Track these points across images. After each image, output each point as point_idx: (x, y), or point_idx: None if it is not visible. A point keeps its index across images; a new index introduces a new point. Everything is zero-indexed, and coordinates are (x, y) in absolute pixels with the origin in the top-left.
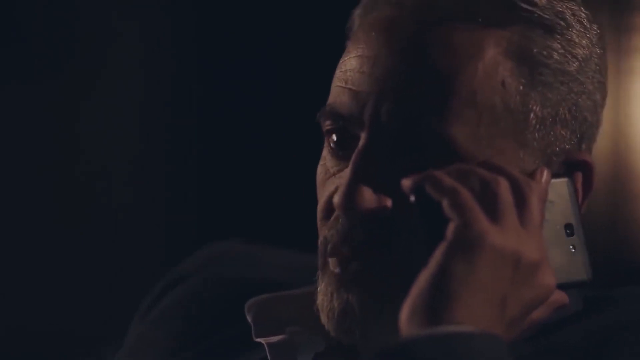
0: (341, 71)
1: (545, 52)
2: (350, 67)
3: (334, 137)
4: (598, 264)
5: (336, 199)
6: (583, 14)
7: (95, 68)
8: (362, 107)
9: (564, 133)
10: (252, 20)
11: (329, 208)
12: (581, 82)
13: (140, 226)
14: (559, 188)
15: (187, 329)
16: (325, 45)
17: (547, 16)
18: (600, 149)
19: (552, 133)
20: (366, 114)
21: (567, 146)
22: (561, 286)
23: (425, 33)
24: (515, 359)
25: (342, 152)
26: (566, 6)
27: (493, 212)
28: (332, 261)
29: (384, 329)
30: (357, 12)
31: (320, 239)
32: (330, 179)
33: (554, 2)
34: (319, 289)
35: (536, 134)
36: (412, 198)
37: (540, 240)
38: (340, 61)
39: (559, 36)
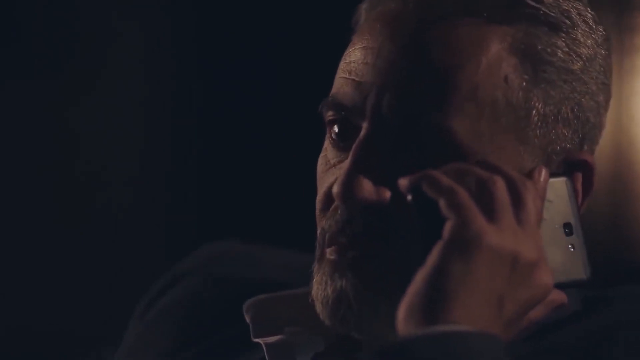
0: (345, 62)
1: (549, 50)
2: (354, 59)
3: (336, 128)
4: (598, 264)
5: (335, 189)
6: (589, 15)
7: (95, 68)
8: (365, 97)
9: (565, 132)
10: (252, 19)
11: (328, 199)
12: (585, 82)
13: (140, 226)
14: (557, 187)
15: (185, 329)
16: (325, 45)
17: (552, 14)
18: (601, 147)
19: (553, 131)
20: (368, 105)
21: (568, 145)
22: (560, 285)
23: (429, 27)
24: (512, 359)
25: (343, 143)
26: (572, 5)
27: (490, 211)
28: (329, 250)
29: (379, 322)
30: (364, 6)
31: (319, 231)
32: (331, 169)
33: (560, 0)
34: (314, 280)
35: (537, 132)
36: (409, 197)
37: (538, 240)
38: (345, 53)
39: (563, 34)
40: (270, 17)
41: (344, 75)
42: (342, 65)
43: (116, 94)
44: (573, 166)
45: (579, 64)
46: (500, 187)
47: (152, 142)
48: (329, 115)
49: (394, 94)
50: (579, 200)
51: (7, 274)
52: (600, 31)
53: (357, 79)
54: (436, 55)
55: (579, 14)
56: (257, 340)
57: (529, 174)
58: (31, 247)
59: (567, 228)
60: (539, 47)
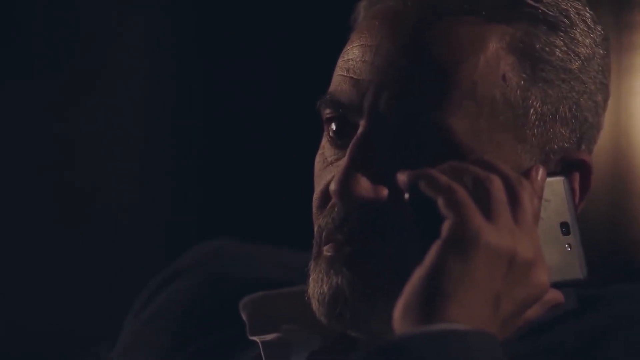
0: (343, 60)
1: (547, 49)
2: (353, 56)
3: (333, 126)
4: (596, 263)
5: (332, 186)
6: (588, 14)
7: (95, 68)
8: (362, 95)
9: (563, 131)
10: (251, 19)
11: (325, 197)
12: (583, 82)
13: (139, 226)
14: (555, 186)
15: (182, 327)
16: (324, 44)
17: (551, 13)
18: (600, 146)
19: (551, 130)
20: (366, 102)
21: (565, 145)
22: (557, 285)
23: (428, 25)
24: (509, 358)
25: (340, 141)
26: (571, 5)
27: (487, 210)
28: (326, 247)
29: (376, 320)
30: (363, 4)
31: (316, 229)
32: (328, 167)
33: (559, 0)
34: (310, 278)
35: (535, 130)
36: (407, 196)
37: (535, 239)
38: (343, 50)
39: (562, 33)
40: (269, 17)
41: (342, 73)
42: (340, 63)
43: (116, 94)
44: (571, 166)
45: (577, 63)
46: (497, 186)
47: (152, 142)
48: (327, 113)
49: (392, 91)
50: (576, 199)
51: (5, 273)
52: (598, 31)
53: (355, 77)
54: (435, 53)
55: (578, 14)
56: (253, 338)
57: (526, 173)
58: (30, 246)
59: (564, 227)
60: (538, 46)
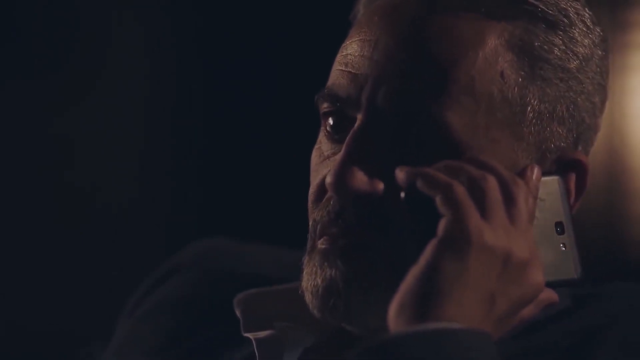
0: (342, 55)
1: (546, 47)
2: (351, 51)
3: (330, 121)
4: (591, 262)
5: (328, 179)
6: (587, 15)
7: (95, 68)
8: (360, 89)
9: (560, 130)
10: (251, 19)
11: (321, 191)
12: (581, 82)
13: (138, 226)
14: (549, 186)
15: (176, 325)
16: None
17: (550, 11)
18: (595, 145)
19: (548, 129)
20: (364, 96)
21: (562, 144)
22: (551, 284)
23: (427, 20)
24: (503, 357)
25: (337, 135)
26: (570, 4)
27: (482, 209)
28: (320, 240)
29: (369, 313)
30: (362, 1)
31: (310, 222)
32: (325, 161)
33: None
34: (304, 272)
35: (532, 128)
36: (402, 195)
37: (530, 238)
38: (342, 45)
39: (561, 32)
40: (271, 17)
41: (340, 68)
42: (338, 57)
43: (116, 94)
44: (567, 165)
45: (575, 63)
46: (492, 185)
47: (151, 142)
48: (324, 107)
49: (390, 85)
50: (572, 200)
51: (3, 273)
52: (597, 32)
53: (353, 71)
54: (433, 49)
55: (577, 13)
56: (247, 335)
57: (521, 173)
58: (28, 246)
59: (559, 227)
60: (536, 43)
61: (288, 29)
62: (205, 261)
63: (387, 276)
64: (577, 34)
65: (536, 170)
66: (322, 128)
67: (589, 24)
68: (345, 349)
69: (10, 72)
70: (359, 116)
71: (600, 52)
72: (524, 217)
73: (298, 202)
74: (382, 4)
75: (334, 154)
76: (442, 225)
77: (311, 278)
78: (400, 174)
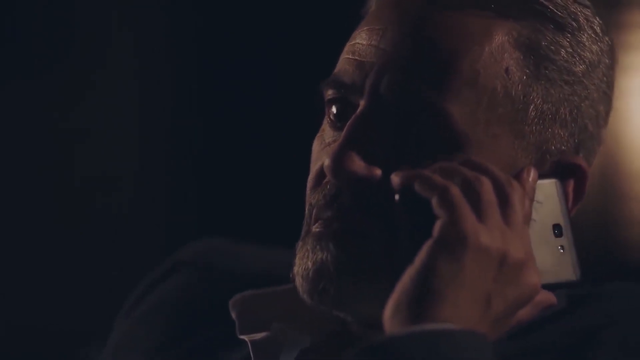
0: (350, 44)
1: (553, 48)
2: (360, 40)
3: (334, 109)
4: (586, 263)
5: (326, 162)
6: (597, 22)
7: (94, 68)
8: (365, 76)
9: (561, 133)
10: (251, 19)
11: (320, 177)
12: (586, 87)
13: (137, 225)
14: (547, 189)
15: (172, 326)
16: (319, 46)
17: (559, 13)
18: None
19: (549, 130)
20: (368, 83)
21: (563, 147)
22: (549, 286)
23: (436, 12)
24: (499, 357)
25: (340, 123)
26: (580, 10)
27: (477, 211)
28: (315, 225)
29: (359, 299)
30: None
31: (307, 207)
32: (325, 148)
33: (569, 3)
34: (297, 257)
35: (534, 128)
36: (397, 197)
37: (526, 240)
38: (351, 35)
39: (569, 35)
40: (269, 17)
41: (348, 56)
42: (347, 46)
43: (115, 94)
44: (566, 169)
45: (581, 67)
46: (487, 187)
47: (151, 143)
48: (329, 94)
49: (394, 73)
50: (570, 204)
51: (1, 272)
52: (606, 41)
53: (359, 59)
54: (440, 40)
55: (587, 20)
56: (242, 337)
57: (518, 175)
58: (26, 246)
59: (557, 229)
60: (544, 43)
61: (285, 28)
62: (204, 261)
63: (380, 264)
64: (585, 39)
65: (532, 172)
66: (326, 117)
67: (598, 31)
68: (342, 350)
69: (10, 72)
70: (362, 102)
71: (607, 61)
72: (519, 219)
73: (296, 202)
74: None
75: (335, 141)
76: (437, 227)
77: (302, 262)
78: (395, 177)
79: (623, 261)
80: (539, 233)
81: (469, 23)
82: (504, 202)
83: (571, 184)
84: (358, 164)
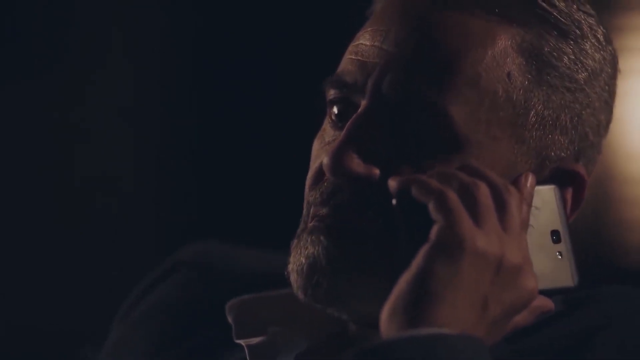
0: (353, 44)
1: (556, 54)
2: (363, 41)
3: (335, 109)
4: (580, 266)
5: (325, 160)
6: (600, 31)
7: (94, 68)
8: (367, 76)
9: (562, 140)
10: (252, 19)
11: (319, 175)
12: (587, 95)
13: (136, 226)
14: (545, 195)
15: (168, 329)
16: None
17: (563, 20)
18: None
19: (550, 136)
20: (370, 83)
21: (562, 154)
22: (547, 292)
23: (439, 14)
24: None
25: (341, 123)
26: (584, 18)
27: (474, 215)
28: (311, 223)
29: (351, 294)
30: None
31: (304, 204)
32: (325, 147)
33: (573, 11)
34: (292, 255)
35: (534, 133)
36: (394, 201)
37: (523, 245)
38: (355, 36)
39: (572, 42)
40: (270, 16)
41: (351, 56)
42: (350, 47)
43: (115, 94)
44: (565, 176)
45: (583, 75)
46: (484, 192)
47: (150, 143)
48: (331, 94)
49: (396, 73)
50: (568, 211)
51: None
52: (609, 50)
53: (362, 59)
54: (442, 41)
55: (590, 28)
56: (239, 341)
57: (515, 181)
58: (24, 247)
59: (555, 235)
60: (546, 49)
61: (286, 28)
62: (202, 262)
63: (375, 261)
64: (588, 47)
65: (530, 178)
66: (327, 116)
67: (601, 39)
68: (339, 353)
69: (10, 72)
70: (363, 102)
71: (609, 70)
72: (516, 224)
73: (295, 203)
74: None
75: (335, 140)
76: (434, 231)
77: (296, 259)
78: (392, 181)
79: (617, 264)
80: (537, 239)
81: (473, 25)
82: (501, 207)
83: (570, 191)
84: (357, 163)
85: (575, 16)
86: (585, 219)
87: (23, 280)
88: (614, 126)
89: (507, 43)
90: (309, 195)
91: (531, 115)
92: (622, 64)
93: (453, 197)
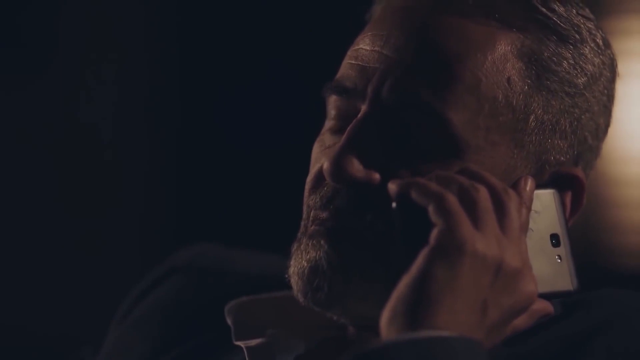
0: (353, 49)
1: (555, 59)
2: (363, 45)
3: (335, 114)
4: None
5: (325, 165)
6: (599, 35)
7: (94, 68)
8: (367, 81)
9: (561, 144)
10: (253, 23)
11: (318, 179)
12: (587, 99)
13: (134, 230)
14: (545, 198)
15: (164, 333)
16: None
17: (562, 25)
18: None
19: (549, 141)
20: (370, 88)
21: (562, 158)
22: (546, 295)
23: (439, 19)
24: None
25: (341, 127)
26: (583, 23)
27: (473, 219)
28: (311, 227)
29: (351, 299)
30: (379, 1)
31: (304, 208)
32: (325, 151)
33: (573, 16)
34: (292, 259)
35: (533, 137)
36: (394, 205)
37: (523, 248)
38: (355, 41)
39: (571, 47)
40: (271, 21)
41: (351, 61)
42: (350, 52)
43: (114, 93)
44: (565, 180)
45: (583, 79)
46: (483, 195)
47: (149, 144)
48: (331, 98)
49: (396, 79)
50: (567, 215)
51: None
52: (609, 54)
53: (362, 64)
54: (442, 46)
55: (590, 32)
56: (238, 343)
57: (515, 184)
58: (22, 247)
59: (554, 239)
60: (546, 54)
61: (286, 32)
62: (199, 265)
63: (374, 264)
64: (587, 52)
65: (529, 182)
66: (327, 120)
67: (600, 44)
68: (336, 356)
69: (10, 72)
70: (363, 107)
71: (608, 74)
72: (515, 227)
73: (291, 207)
74: (397, 3)
75: (335, 145)
76: (434, 234)
77: (298, 262)
78: (392, 185)
79: (612, 267)
80: (536, 242)
81: (473, 31)
82: (501, 210)
83: (569, 194)
84: (357, 168)
85: (575, 21)
86: (579, 221)
87: (21, 283)
88: (609, 129)
89: (507, 48)
90: (309, 198)
91: (531, 120)
92: (620, 67)
93: (453, 200)
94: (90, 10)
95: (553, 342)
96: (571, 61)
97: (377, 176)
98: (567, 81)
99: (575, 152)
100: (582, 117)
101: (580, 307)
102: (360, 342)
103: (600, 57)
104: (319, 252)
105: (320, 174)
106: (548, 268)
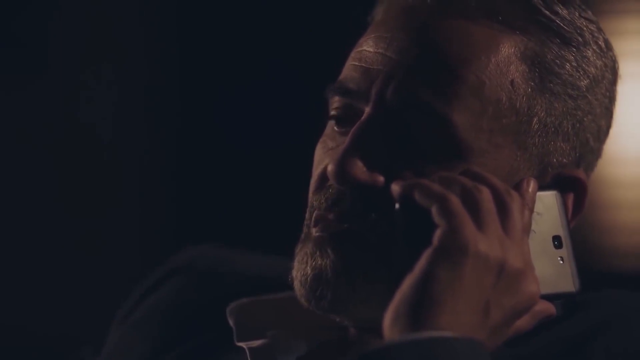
0: (356, 51)
1: (558, 62)
2: (366, 47)
3: (338, 116)
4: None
5: (330, 167)
6: (602, 38)
7: (93, 68)
8: (371, 83)
9: (564, 146)
10: (255, 25)
11: (322, 180)
12: (589, 102)
13: (134, 231)
14: (547, 200)
15: (165, 334)
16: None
17: (566, 27)
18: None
19: (552, 143)
20: (373, 90)
21: (564, 160)
22: (548, 297)
23: (444, 21)
24: None
25: (344, 129)
26: (586, 25)
27: (476, 220)
28: (315, 229)
29: (355, 303)
30: (382, 1)
31: (307, 208)
32: (328, 152)
33: (575, 18)
34: (296, 260)
35: (536, 140)
36: (397, 206)
37: (525, 249)
38: (358, 43)
39: (574, 49)
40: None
41: (354, 63)
42: (353, 53)
43: (114, 94)
44: (567, 182)
45: (585, 82)
46: (486, 197)
47: (149, 146)
48: (334, 100)
49: (400, 81)
50: (569, 216)
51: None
52: (611, 57)
53: (365, 66)
54: (446, 48)
55: (592, 35)
56: (240, 344)
57: (517, 186)
58: (21, 248)
59: (557, 241)
60: (549, 57)
61: (289, 33)
62: (199, 266)
63: (377, 266)
64: (590, 54)
65: (532, 183)
66: (330, 122)
67: (603, 47)
68: (338, 357)
69: (10, 72)
70: (367, 109)
71: (610, 77)
72: (518, 228)
73: (292, 208)
74: (400, 4)
75: (339, 146)
76: (437, 235)
77: (301, 267)
78: (395, 186)
79: (610, 268)
80: (538, 244)
81: (476, 33)
82: (503, 211)
83: (571, 196)
84: (361, 170)
85: (578, 23)
86: (578, 222)
87: (21, 283)
88: (610, 131)
89: (511, 50)
90: (313, 199)
91: (534, 122)
92: (621, 68)
93: (456, 201)
94: (90, 10)
95: (554, 343)
96: (574, 64)
97: (380, 178)
98: (570, 83)
99: (577, 154)
100: (585, 119)
101: (582, 308)
102: (361, 343)
103: (603, 59)
104: (324, 260)
105: (324, 175)
106: (550, 269)
